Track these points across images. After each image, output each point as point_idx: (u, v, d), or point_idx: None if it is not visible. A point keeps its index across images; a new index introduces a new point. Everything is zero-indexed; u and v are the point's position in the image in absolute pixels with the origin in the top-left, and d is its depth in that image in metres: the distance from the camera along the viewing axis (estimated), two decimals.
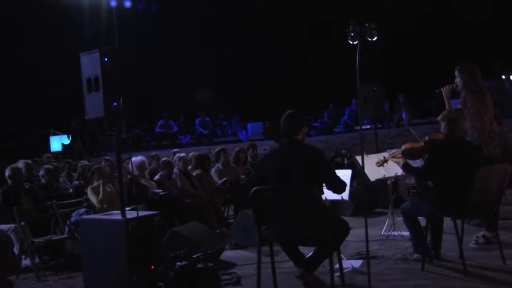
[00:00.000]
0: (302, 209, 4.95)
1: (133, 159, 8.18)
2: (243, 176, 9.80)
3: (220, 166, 9.77)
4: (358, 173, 7.68)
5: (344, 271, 5.58)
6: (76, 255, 6.91)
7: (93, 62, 5.29)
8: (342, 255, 5.64)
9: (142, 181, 8.42)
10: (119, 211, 5.35)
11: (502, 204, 6.34)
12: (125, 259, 5.06)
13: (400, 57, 18.36)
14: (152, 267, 5.21)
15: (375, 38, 5.02)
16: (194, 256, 5.33)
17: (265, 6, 19.93)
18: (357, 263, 6.11)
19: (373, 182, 7.10)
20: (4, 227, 6.96)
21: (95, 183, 8.05)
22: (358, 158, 6.83)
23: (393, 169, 6.98)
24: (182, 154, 9.53)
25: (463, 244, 5.70)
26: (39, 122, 17.98)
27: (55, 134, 18.09)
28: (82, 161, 11.17)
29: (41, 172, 8.65)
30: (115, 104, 5.22)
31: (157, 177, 8.81)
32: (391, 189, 7.69)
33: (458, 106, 6.58)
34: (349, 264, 5.99)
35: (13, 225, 6.95)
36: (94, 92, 5.29)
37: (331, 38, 15.76)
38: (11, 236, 6.77)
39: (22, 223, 6.92)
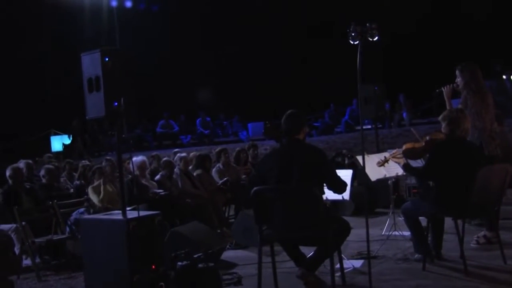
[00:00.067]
0: (303, 209, 4.95)
1: (134, 159, 8.19)
2: (244, 176, 9.80)
3: (221, 166, 9.77)
4: (359, 173, 7.68)
5: (345, 271, 5.58)
6: (77, 255, 6.91)
7: (94, 62, 5.30)
8: (343, 255, 5.64)
9: (143, 181, 8.42)
10: (120, 211, 5.35)
11: (503, 204, 6.34)
12: (126, 259, 5.06)
13: (400, 57, 18.35)
14: (153, 267, 5.21)
15: (375, 38, 5.02)
16: (195, 256, 5.33)
17: (265, 6, 19.93)
18: (358, 263, 6.11)
19: (374, 182, 7.11)
20: (5, 227, 6.97)
21: (96, 183, 8.06)
22: (359, 158, 6.84)
23: (394, 169, 6.98)
24: (183, 154, 9.54)
25: (464, 244, 5.71)
26: (40, 122, 17.99)
27: (56, 134, 18.11)
28: (83, 161, 11.18)
29: (42, 172, 8.66)
30: (116, 104, 5.23)
31: (158, 177, 8.81)
32: (392, 189, 7.69)
33: (459, 106, 6.58)
34: (350, 264, 5.99)
35: (14, 225, 6.95)
36: (95, 92, 5.30)
37: (331, 38, 15.78)
38: (12, 236, 6.77)
39: (23, 223, 6.93)
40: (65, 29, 17.72)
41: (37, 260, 7.06)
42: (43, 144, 17.31)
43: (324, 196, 5.27)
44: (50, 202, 7.53)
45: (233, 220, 8.80)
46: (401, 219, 6.68)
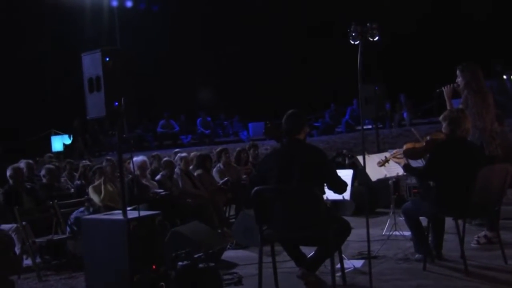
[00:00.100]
0: (303, 209, 4.95)
1: (135, 159, 8.18)
2: (244, 176, 9.80)
3: (222, 166, 9.77)
4: (360, 173, 7.68)
5: (346, 271, 5.58)
6: (78, 255, 6.91)
7: (95, 62, 5.30)
8: (343, 255, 5.64)
9: (144, 181, 8.42)
10: (121, 211, 5.35)
11: (503, 204, 6.33)
12: (127, 259, 5.06)
13: (401, 57, 18.35)
14: (154, 267, 5.21)
15: (376, 38, 5.02)
16: (196, 256, 5.33)
17: (265, 6, 19.93)
18: (358, 263, 6.10)
19: (375, 182, 7.11)
20: (6, 227, 6.97)
21: (96, 182, 8.06)
22: (360, 158, 6.84)
23: (395, 169, 6.98)
24: (184, 154, 9.54)
25: (464, 244, 5.71)
26: (41, 122, 18.02)
27: (56, 134, 18.13)
28: (84, 161, 11.18)
29: (43, 172, 8.67)
30: (117, 104, 5.23)
31: (158, 177, 8.81)
32: (393, 189, 7.70)
33: (460, 106, 6.58)
34: (350, 264, 5.99)
35: (15, 225, 6.95)
36: (96, 92, 5.30)
37: (331, 38, 15.78)
38: (13, 236, 6.77)
39: (24, 223, 6.93)
40: (65, 29, 17.73)
41: (38, 260, 7.06)
42: (43, 144, 17.34)
43: (324, 196, 5.27)
44: (51, 202, 7.54)
45: (233, 220, 8.80)
46: (401, 219, 6.68)
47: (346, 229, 5.26)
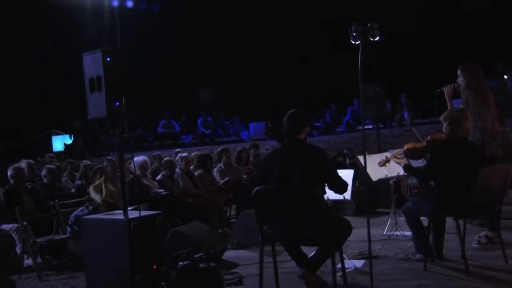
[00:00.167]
0: (304, 209, 4.95)
1: (135, 159, 8.19)
2: (245, 176, 9.80)
3: (222, 166, 9.77)
4: (360, 173, 7.68)
5: (346, 271, 5.58)
6: (78, 255, 6.91)
7: (96, 62, 5.30)
8: (344, 255, 5.63)
9: (144, 181, 8.43)
10: (121, 211, 5.35)
11: (504, 204, 6.34)
12: (127, 259, 5.06)
13: (401, 57, 18.35)
14: (154, 266, 5.21)
15: (377, 38, 5.02)
16: (196, 255, 5.33)
17: (265, 6, 19.93)
18: (359, 263, 6.10)
19: (375, 182, 7.11)
20: (7, 226, 6.97)
21: (97, 182, 8.06)
22: (360, 158, 6.83)
23: (395, 169, 6.98)
24: (184, 154, 9.54)
25: (465, 244, 5.70)
26: (41, 122, 18.03)
27: (57, 134, 18.15)
28: (84, 161, 11.20)
29: (43, 172, 8.67)
30: (117, 104, 5.23)
31: (159, 177, 8.81)
32: (393, 189, 7.69)
33: (460, 106, 6.58)
34: (351, 264, 5.99)
35: (15, 225, 6.95)
36: (97, 92, 5.30)
37: (332, 38, 15.79)
38: (14, 235, 6.77)
39: (24, 223, 6.93)
40: (66, 29, 17.74)
41: (39, 260, 7.07)
42: (44, 144, 17.37)
43: (325, 196, 5.27)
44: (52, 202, 7.54)
45: (234, 220, 8.81)
46: (402, 219, 6.68)
47: (347, 229, 5.25)
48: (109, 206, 7.49)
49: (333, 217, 5.28)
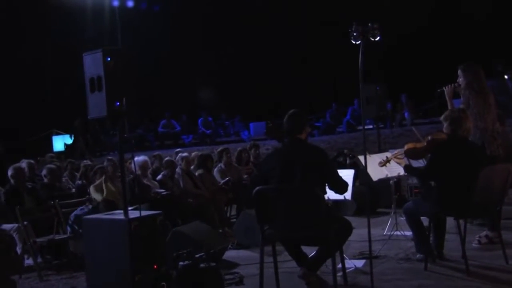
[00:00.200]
0: (304, 209, 4.94)
1: (136, 158, 8.19)
2: (245, 176, 9.81)
3: (223, 166, 9.77)
4: (361, 173, 7.68)
5: (347, 271, 5.58)
6: (79, 254, 6.92)
7: (96, 62, 5.31)
8: (344, 255, 5.63)
9: (145, 181, 8.43)
10: (122, 211, 5.36)
11: (504, 204, 6.34)
12: (128, 259, 5.06)
13: (402, 57, 18.34)
14: (155, 266, 5.21)
15: (377, 38, 5.01)
16: (197, 255, 5.33)
17: (265, 6, 19.93)
18: (359, 263, 6.10)
19: (376, 182, 7.11)
20: (7, 226, 6.96)
21: (97, 182, 8.07)
22: (361, 158, 6.83)
23: (396, 169, 6.98)
24: (185, 154, 9.54)
25: (465, 244, 5.69)
26: (42, 122, 18.03)
27: (57, 134, 18.15)
28: (85, 161, 11.19)
29: (44, 172, 8.66)
30: (118, 104, 5.23)
31: (159, 176, 8.82)
32: (394, 189, 7.69)
33: (461, 106, 6.57)
34: (351, 264, 5.99)
35: (16, 225, 6.95)
36: (97, 92, 5.31)
37: (332, 38, 15.78)
38: (14, 235, 6.77)
39: (25, 222, 6.93)
40: (66, 29, 17.73)
41: (39, 259, 7.07)
42: (45, 144, 17.36)
43: (326, 196, 5.27)
44: (52, 202, 7.54)
45: (234, 220, 8.81)
46: (402, 219, 6.68)
47: (347, 229, 5.25)
48: (108, 203, 7.49)
49: (333, 217, 5.28)
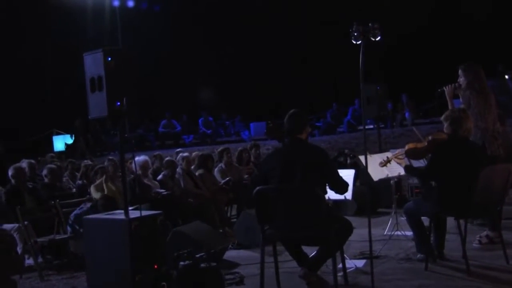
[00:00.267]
0: (305, 209, 4.94)
1: (136, 158, 8.20)
2: (246, 176, 9.81)
3: (223, 166, 9.77)
4: (361, 173, 7.69)
5: (347, 271, 5.57)
6: (79, 254, 6.92)
7: (97, 62, 5.32)
8: (345, 255, 5.63)
9: (145, 181, 8.43)
10: (122, 211, 5.36)
11: (505, 204, 6.33)
12: (128, 259, 5.07)
13: (402, 57, 18.34)
14: (155, 266, 5.22)
15: (378, 38, 5.01)
16: (197, 255, 5.33)
17: (265, 6, 19.93)
18: (360, 263, 6.10)
19: (376, 182, 7.12)
20: (8, 226, 6.97)
21: (98, 181, 8.07)
22: (361, 158, 6.83)
23: (396, 169, 6.98)
24: (185, 154, 9.54)
25: (466, 244, 5.69)
26: (42, 122, 18.01)
27: (58, 133, 18.12)
28: (85, 161, 11.19)
29: (44, 172, 8.67)
30: (119, 103, 5.24)
31: (160, 176, 8.82)
32: (394, 189, 7.69)
33: (461, 106, 6.57)
34: (352, 264, 5.99)
35: (17, 225, 6.96)
36: (98, 92, 5.31)
37: (332, 38, 15.78)
38: (15, 235, 6.77)
39: (26, 222, 6.93)
40: (67, 29, 17.73)
41: (40, 259, 7.06)
42: (45, 144, 17.35)
43: (326, 196, 5.27)
44: (53, 202, 7.54)
45: (235, 219, 8.81)
46: (403, 219, 6.67)
47: (348, 229, 5.25)
48: (108, 200, 7.48)
49: (334, 217, 5.28)
